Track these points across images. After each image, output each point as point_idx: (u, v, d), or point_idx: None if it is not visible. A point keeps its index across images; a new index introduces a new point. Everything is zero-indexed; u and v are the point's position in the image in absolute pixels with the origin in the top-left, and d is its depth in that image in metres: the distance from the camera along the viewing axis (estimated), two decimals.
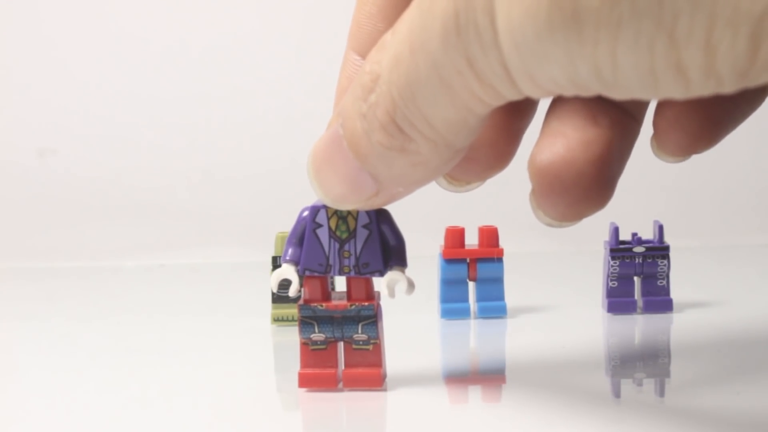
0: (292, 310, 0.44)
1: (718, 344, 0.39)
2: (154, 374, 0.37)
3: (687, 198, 0.74)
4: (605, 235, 0.45)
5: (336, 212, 0.31)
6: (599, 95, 0.21)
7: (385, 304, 0.33)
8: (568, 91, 0.21)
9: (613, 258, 0.45)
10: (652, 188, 0.75)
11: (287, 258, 0.32)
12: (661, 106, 0.28)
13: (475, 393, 0.34)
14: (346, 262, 0.31)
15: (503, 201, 0.72)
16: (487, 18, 0.21)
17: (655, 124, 0.29)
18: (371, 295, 0.32)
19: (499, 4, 0.21)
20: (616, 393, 0.33)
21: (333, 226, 0.31)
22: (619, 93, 0.20)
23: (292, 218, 0.48)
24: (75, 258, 0.69)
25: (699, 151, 0.29)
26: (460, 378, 0.36)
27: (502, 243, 0.45)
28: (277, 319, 0.45)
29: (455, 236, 0.45)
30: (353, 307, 0.32)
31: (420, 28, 0.23)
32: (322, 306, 0.32)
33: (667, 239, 0.45)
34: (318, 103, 0.72)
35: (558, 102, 0.28)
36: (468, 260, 0.45)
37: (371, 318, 0.32)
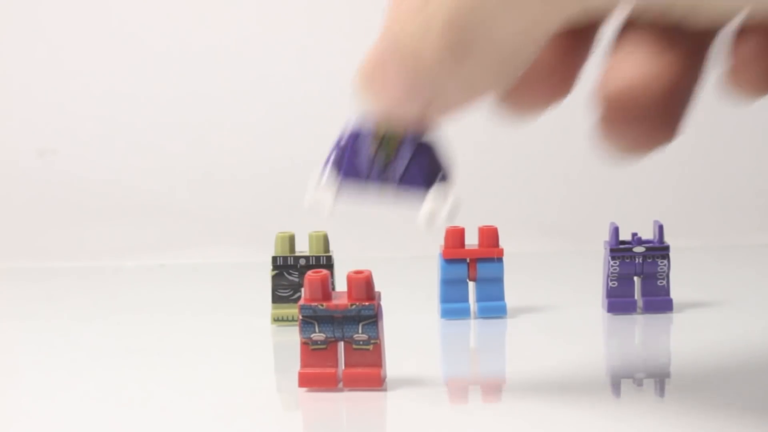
0: (292, 310, 0.44)
1: (718, 344, 0.39)
2: (155, 374, 0.37)
3: (687, 198, 0.74)
4: (605, 235, 0.45)
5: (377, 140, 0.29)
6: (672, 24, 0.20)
7: (385, 304, 0.33)
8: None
9: (613, 258, 0.45)
10: (652, 188, 0.75)
11: (328, 165, 0.29)
12: (743, 36, 0.26)
13: (475, 393, 0.34)
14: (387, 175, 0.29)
15: (503, 201, 0.72)
16: None
17: (732, 55, 0.26)
18: (372, 295, 0.32)
19: None
20: (616, 393, 0.33)
21: (373, 152, 0.29)
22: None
23: (292, 218, 0.48)
24: (75, 258, 0.69)
25: None
26: (460, 378, 0.36)
27: (502, 243, 0.45)
28: (277, 319, 0.45)
29: (455, 236, 0.45)
30: (354, 306, 0.32)
31: None
32: (322, 305, 0.32)
33: (667, 239, 0.45)
34: (319, 104, 0.72)
35: (627, 31, 0.27)
36: (468, 260, 0.45)
37: (372, 318, 0.32)
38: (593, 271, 0.49)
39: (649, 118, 0.26)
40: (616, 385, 0.34)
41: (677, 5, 0.20)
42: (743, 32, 0.26)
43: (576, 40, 0.28)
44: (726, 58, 0.27)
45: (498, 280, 0.45)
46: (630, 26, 0.27)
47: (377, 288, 0.33)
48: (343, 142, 0.29)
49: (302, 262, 0.44)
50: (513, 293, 0.46)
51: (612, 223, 0.45)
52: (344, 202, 0.29)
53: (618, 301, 0.45)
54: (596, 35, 0.28)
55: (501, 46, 0.24)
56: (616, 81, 0.26)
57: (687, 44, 0.26)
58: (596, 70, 0.27)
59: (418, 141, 0.29)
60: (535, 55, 0.25)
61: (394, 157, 0.29)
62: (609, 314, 0.45)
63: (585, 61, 0.28)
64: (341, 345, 0.33)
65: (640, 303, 0.45)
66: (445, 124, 0.28)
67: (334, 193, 0.29)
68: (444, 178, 0.29)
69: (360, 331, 0.32)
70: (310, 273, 0.32)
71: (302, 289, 0.32)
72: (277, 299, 0.45)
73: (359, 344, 0.32)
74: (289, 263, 0.44)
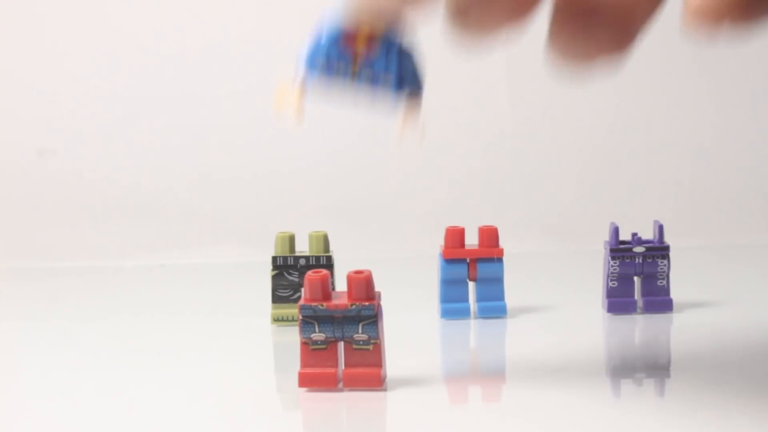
0: (292, 310, 0.44)
1: (718, 344, 0.39)
2: (154, 374, 0.37)
3: (687, 198, 0.74)
4: (605, 235, 0.45)
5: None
6: None
7: (385, 304, 0.33)
8: None
9: (613, 258, 0.45)
10: (652, 188, 0.75)
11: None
12: None
13: (475, 393, 0.34)
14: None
15: (503, 201, 0.72)
16: None
17: None
18: (372, 295, 0.32)
19: None
20: (616, 393, 0.33)
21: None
22: None
23: (292, 218, 0.48)
24: (75, 258, 0.69)
25: (729, 24, 0.24)
26: (460, 378, 0.36)
27: (502, 243, 0.45)
28: (277, 319, 0.45)
29: (455, 236, 0.45)
30: (354, 306, 0.32)
31: None
32: (322, 305, 0.32)
33: (667, 239, 0.45)
34: (318, 104, 0.72)
35: None
36: (468, 260, 0.45)
37: (372, 318, 0.32)
38: (593, 271, 0.49)
39: (604, 22, 0.25)
40: (616, 385, 0.34)
41: None
42: None
43: None
44: None
45: (498, 280, 0.45)
46: None
47: (377, 288, 0.33)
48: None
49: (302, 262, 0.44)
50: (513, 293, 0.46)
51: (612, 223, 0.45)
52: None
53: (618, 301, 0.45)
54: None
55: None
56: None
57: None
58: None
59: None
60: None
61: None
62: (609, 314, 0.45)
63: None
64: (341, 345, 0.33)
65: (640, 303, 0.45)
66: (422, 24, 0.27)
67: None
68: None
69: (360, 331, 0.32)
70: (310, 273, 0.32)
71: (302, 289, 0.32)
72: (277, 299, 0.45)
73: (359, 344, 0.32)
74: (289, 263, 0.45)
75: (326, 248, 0.45)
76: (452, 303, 0.45)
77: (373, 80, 0.28)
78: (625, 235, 0.45)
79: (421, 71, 0.29)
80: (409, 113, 0.29)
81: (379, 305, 0.33)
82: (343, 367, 0.33)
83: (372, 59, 0.28)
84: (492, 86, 0.73)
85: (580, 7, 0.25)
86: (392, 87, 0.28)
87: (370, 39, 0.28)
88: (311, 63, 0.28)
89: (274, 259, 0.45)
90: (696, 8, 0.24)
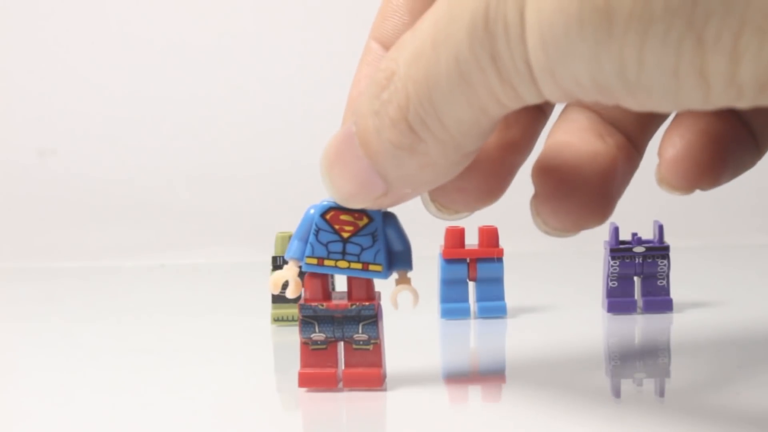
0: (292, 310, 0.44)
1: (718, 344, 0.39)
2: (154, 374, 0.37)
3: (687, 198, 0.74)
4: (605, 235, 0.45)
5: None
6: (612, 111, 0.21)
7: (386, 304, 0.33)
8: (588, 95, 0.21)
9: (613, 258, 0.45)
10: (652, 188, 0.75)
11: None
12: (672, 135, 0.28)
13: (475, 393, 0.34)
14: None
15: (503, 201, 0.72)
16: (517, 13, 0.21)
17: (663, 152, 0.29)
18: (372, 295, 0.32)
19: (530, 1, 0.21)
20: (616, 393, 0.33)
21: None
22: (639, 99, 0.20)
23: (292, 218, 0.48)
24: (75, 258, 0.69)
25: (702, 187, 0.29)
26: (460, 378, 0.36)
27: (502, 243, 0.45)
28: (277, 319, 0.45)
29: (455, 236, 0.45)
30: (354, 306, 0.32)
31: (446, 21, 0.23)
32: (322, 305, 0.32)
33: (667, 239, 0.45)
34: (319, 104, 0.72)
35: (564, 118, 0.28)
36: (468, 260, 0.45)
37: (372, 318, 0.32)
38: (593, 271, 0.49)
39: (580, 197, 0.27)
40: (616, 385, 0.34)
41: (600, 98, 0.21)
42: (675, 128, 0.28)
43: (512, 145, 0.29)
44: (659, 154, 0.28)
45: (498, 280, 0.45)
46: (571, 110, 0.28)
47: (377, 288, 0.33)
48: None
49: None
50: (513, 293, 0.46)
51: (612, 223, 0.45)
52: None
53: (618, 301, 0.45)
54: (539, 124, 0.30)
55: (450, 135, 0.25)
56: (547, 160, 0.27)
57: (622, 137, 0.27)
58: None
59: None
60: (483, 141, 0.26)
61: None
62: (609, 314, 0.45)
63: (518, 166, 0.30)
64: (341, 345, 0.33)
65: (640, 303, 0.45)
66: (405, 204, 0.29)
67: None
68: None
69: (360, 331, 0.32)
70: (309, 273, 0.32)
71: (302, 289, 0.32)
72: (277, 299, 0.45)
73: (359, 344, 0.32)
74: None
75: None
76: (452, 303, 0.45)
77: (362, 259, 0.31)
78: (625, 235, 0.45)
79: (407, 243, 0.32)
80: (401, 284, 0.32)
81: (379, 305, 0.33)
82: (343, 367, 0.33)
83: (360, 239, 0.31)
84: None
85: (560, 181, 0.27)
86: (382, 272, 0.31)
87: (357, 217, 0.31)
88: (302, 242, 0.31)
89: (274, 259, 0.45)
90: (670, 171, 0.28)
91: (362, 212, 0.31)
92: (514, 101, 0.23)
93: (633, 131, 0.29)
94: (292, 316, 0.44)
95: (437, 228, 0.47)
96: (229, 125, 0.75)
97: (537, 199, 0.28)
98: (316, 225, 0.31)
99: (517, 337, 0.43)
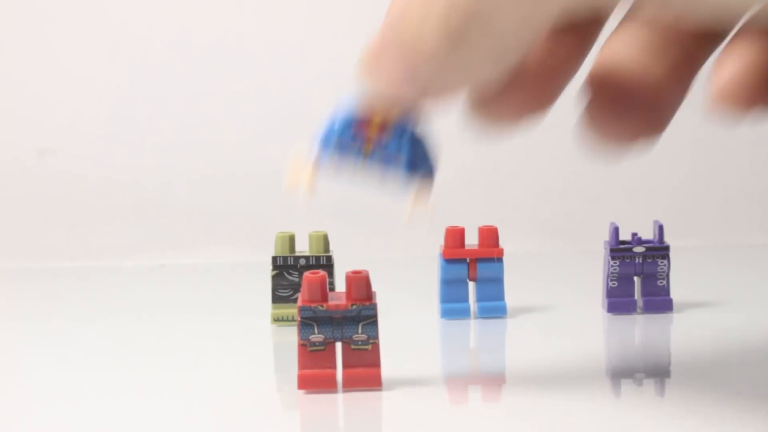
0: (292, 310, 0.44)
1: (718, 344, 0.39)
2: (154, 374, 0.37)
3: (687, 198, 0.74)
4: (605, 235, 0.45)
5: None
6: (667, 31, 0.20)
7: (386, 304, 0.33)
8: None
9: (613, 258, 0.45)
10: (652, 188, 0.75)
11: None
12: (728, 54, 0.26)
13: (475, 393, 0.34)
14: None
15: (503, 201, 0.72)
16: None
17: (717, 71, 0.26)
18: (371, 295, 0.32)
19: None
20: (616, 393, 0.33)
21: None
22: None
23: (292, 218, 0.48)
24: (75, 258, 0.69)
25: (760, 108, 0.26)
26: (460, 378, 0.36)
27: (502, 243, 0.45)
28: (277, 319, 0.45)
29: (455, 236, 0.45)
30: (354, 307, 0.32)
31: None
32: (322, 306, 0.32)
33: (667, 239, 0.45)
34: (319, 104, 0.72)
35: (619, 32, 0.27)
36: (468, 260, 0.45)
37: (372, 318, 0.32)
38: (593, 271, 0.49)
39: (637, 109, 0.26)
40: (616, 385, 0.34)
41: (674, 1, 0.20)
42: (735, 45, 0.26)
43: (570, 42, 0.27)
44: (716, 72, 0.26)
45: (498, 280, 0.45)
46: (629, 20, 0.27)
47: (375, 288, 0.33)
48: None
49: (302, 262, 0.44)
50: (513, 293, 0.46)
51: (612, 223, 0.45)
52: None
53: (618, 301, 0.45)
54: (592, 39, 0.28)
55: (499, 34, 0.24)
56: (611, 66, 0.25)
57: (684, 47, 0.26)
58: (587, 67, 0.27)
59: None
60: (533, 44, 0.24)
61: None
62: (609, 314, 0.45)
63: (570, 77, 0.28)
64: (339, 346, 0.33)
65: (640, 303, 0.45)
66: (440, 112, 0.27)
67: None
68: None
69: (360, 331, 0.32)
70: (308, 274, 0.32)
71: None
72: (277, 299, 0.45)
73: (358, 344, 0.32)
74: (289, 263, 0.44)
75: (326, 248, 0.45)
76: (452, 303, 0.45)
77: (385, 162, 0.29)
78: (625, 235, 0.45)
79: (433, 155, 0.29)
80: (420, 194, 0.30)
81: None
82: (342, 367, 0.33)
83: (384, 143, 0.29)
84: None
85: (614, 95, 0.25)
86: (404, 169, 0.29)
87: (383, 125, 0.29)
88: (325, 143, 0.29)
89: (274, 259, 0.45)
90: (724, 92, 0.25)
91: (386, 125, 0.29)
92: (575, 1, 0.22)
93: (688, 51, 0.27)
94: (292, 316, 0.44)
95: (437, 228, 0.47)
96: (229, 125, 0.75)
97: (592, 107, 0.26)
98: (339, 132, 0.29)
99: (517, 337, 0.43)
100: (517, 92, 0.27)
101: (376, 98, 0.27)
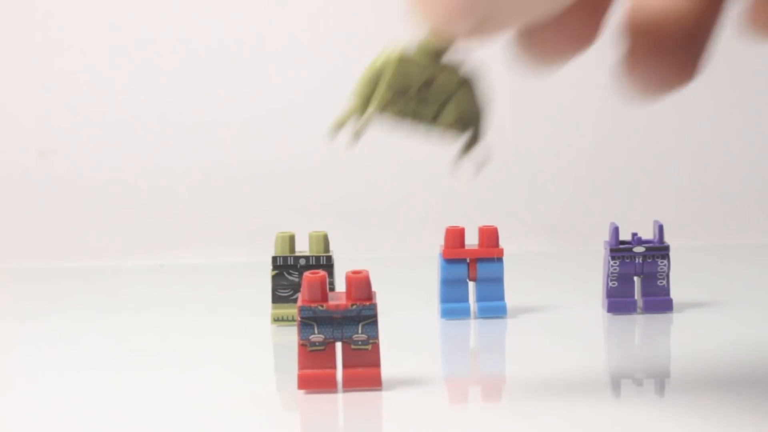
0: (292, 310, 0.44)
1: (718, 344, 0.39)
2: (154, 374, 0.37)
3: (687, 198, 0.74)
4: (605, 235, 0.45)
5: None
6: None
7: (386, 304, 0.33)
8: None
9: (613, 258, 0.45)
10: (652, 188, 0.75)
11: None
12: None
13: (475, 393, 0.34)
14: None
15: (503, 201, 0.72)
16: None
17: None
18: (371, 295, 0.32)
19: None
20: (616, 393, 0.33)
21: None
22: None
23: (292, 218, 0.48)
24: (75, 258, 0.69)
25: None
26: (460, 378, 0.36)
27: (502, 243, 0.45)
28: (277, 319, 0.45)
29: (455, 236, 0.45)
30: (354, 307, 0.32)
31: None
32: (322, 306, 0.32)
33: (667, 239, 0.45)
34: (320, 104, 0.72)
35: None
36: (468, 260, 0.45)
37: (372, 318, 0.32)
38: (593, 271, 0.49)
39: (673, 53, 0.25)
40: (616, 385, 0.34)
41: None
42: None
43: None
44: None
45: (498, 280, 0.45)
46: None
47: (375, 288, 0.33)
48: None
49: (302, 262, 0.44)
50: (513, 293, 0.46)
51: (612, 223, 0.45)
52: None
53: (618, 301, 0.45)
54: None
55: None
56: (644, 12, 0.25)
57: None
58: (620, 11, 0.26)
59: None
60: None
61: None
62: (609, 314, 0.45)
63: (610, 8, 0.27)
64: (338, 346, 0.33)
65: (640, 303, 0.45)
66: (496, 42, 0.26)
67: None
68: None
69: (360, 331, 0.32)
70: (308, 274, 0.32)
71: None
72: (277, 299, 0.45)
73: (358, 344, 0.32)
74: (289, 263, 0.45)
75: (326, 248, 0.45)
76: (452, 303, 0.45)
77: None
78: (625, 235, 0.45)
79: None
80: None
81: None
82: (342, 367, 0.33)
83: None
84: (491, 86, 0.74)
85: (651, 39, 0.25)
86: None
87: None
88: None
89: (274, 259, 0.45)
90: (758, 20, 0.25)
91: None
92: None
93: None
94: (292, 316, 0.44)
95: (437, 228, 0.47)
96: (230, 125, 0.75)
97: (628, 58, 0.26)
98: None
99: (517, 337, 0.43)
100: (565, 26, 0.26)
101: (430, 32, 0.26)
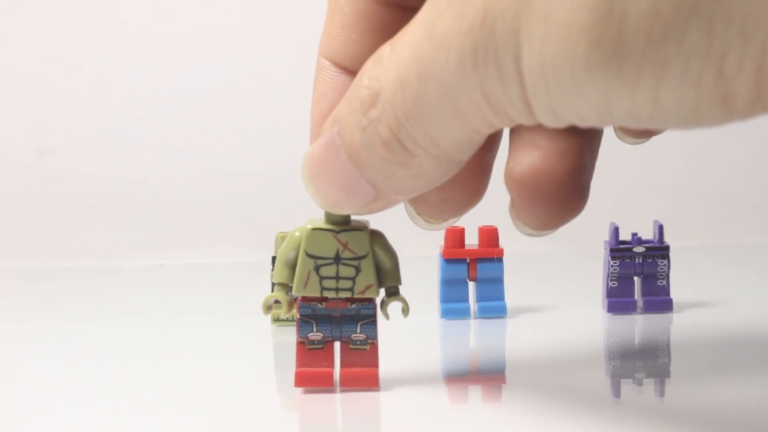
0: (292, 311, 0.44)
1: (718, 344, 0.39)
2: (154, 374, 0.37)
3: (687, 198, 0.74)
4: (605, 235, 0.45)
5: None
6: None
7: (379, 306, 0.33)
8: (589, 123, 0.21)
9: (613, 258, 0.45)
10: (652, 188, 0.75)
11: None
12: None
13: (475, 393, 0.34)
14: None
15: (503, 201, 0.72)
16: (509, 56, 0.21)
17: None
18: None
19: (527, 43, 0.20)
20: (616, 393, 0.33)
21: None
22: (650, 125, 0.20)
23: (292, 218, 0.48)
24: (75, 258, 0.69)
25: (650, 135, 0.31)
26: (460, 378, 0.36)
27: (502, 243, 0.45)
28: (277, 319, 0.45)
29: (455, 236, 0.45)
30: (353, 306, 0.32)
31: (430, 59, 0.23)
32: (321, 304, 0.32)
33: (667, 239, 0.45)
34: None
35: (521, 146, 0.28)
36: (468, 260, 0.45)
37: (371, 317, 0.32)
38: (593, 271, 0.49)
39: (556, 198, 0.27)
40: (616, 385, 0.34)
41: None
42: None
43: (484, 145, 0.28)
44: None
45: (498, 280, 0.45)
46: (529, 131, 0.29)
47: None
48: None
49: None
50: (513, 293, 0.46)
51: (612, 223, 0.45)
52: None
53: (618, 301, 0.45)
54: (500, 136, 0.30)
55: (443, 151, 0.25)
56: (520, 168, 0.27)
57: (575, 144, 0.28)
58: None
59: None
60: (476, 150, 0.26)
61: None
62: (609, 314, 0.45)
63: (493, 162, 0.31)
64: (337, 345, 0.33)
65: (640, 303, 0.45)
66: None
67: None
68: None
69: (358, 330, 0.32)
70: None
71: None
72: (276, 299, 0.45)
73: (356, 344, 0.32)
74: None
75: None
76: (452, 303, 0.45)
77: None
78: (625, 235, 0.45)
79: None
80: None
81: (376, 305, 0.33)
82: (340, 367, 0.33)
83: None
84: None
85: (536, 193, 0.27)
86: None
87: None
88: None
89: (274, 259, 0.44)
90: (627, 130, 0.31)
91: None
92: (508, 123, 0.23)
93: (580, 147, 0.29)
94: (292, 317, 0.44)
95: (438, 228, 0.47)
96: (229, 125, 0.75)
97: (515, 206, 0.28)
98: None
99: (517, 337, 0.43)
100: (452, 192, 0.30)
101: (329, 205, 0.29)
